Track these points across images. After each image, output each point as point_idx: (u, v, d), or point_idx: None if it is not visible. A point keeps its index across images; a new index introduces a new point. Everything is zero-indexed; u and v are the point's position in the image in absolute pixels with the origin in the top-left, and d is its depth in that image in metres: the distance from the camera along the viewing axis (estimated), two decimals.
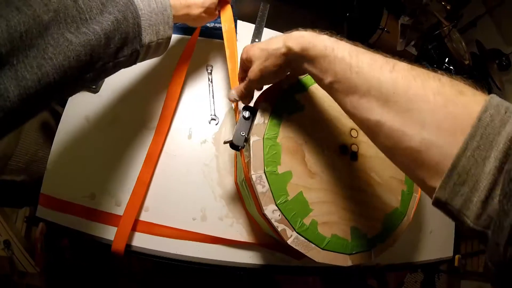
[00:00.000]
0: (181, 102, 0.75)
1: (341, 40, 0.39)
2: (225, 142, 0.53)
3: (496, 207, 0.26)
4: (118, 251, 0.61)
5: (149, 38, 0.47)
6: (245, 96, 0.52)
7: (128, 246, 0.63)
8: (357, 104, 0.36)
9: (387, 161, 0.58)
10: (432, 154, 0.30)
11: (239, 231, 0.66)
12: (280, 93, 0.54)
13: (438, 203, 0.31)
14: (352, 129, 0.58)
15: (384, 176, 0.59)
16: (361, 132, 0.58)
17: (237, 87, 0.53)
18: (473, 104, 0.28)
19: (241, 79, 0.55)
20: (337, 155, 0.55)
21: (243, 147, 0.52)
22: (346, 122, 0.58)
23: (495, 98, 0.28)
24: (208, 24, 0.81)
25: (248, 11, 0.89)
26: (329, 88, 0.40)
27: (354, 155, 0.57)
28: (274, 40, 0.44)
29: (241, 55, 0.51)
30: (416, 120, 0.31)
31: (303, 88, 0.57)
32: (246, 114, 0.52)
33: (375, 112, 0.34)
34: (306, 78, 0.57)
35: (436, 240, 0.88)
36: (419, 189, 0.62)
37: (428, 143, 0.30)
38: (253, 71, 0.47)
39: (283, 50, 0.42)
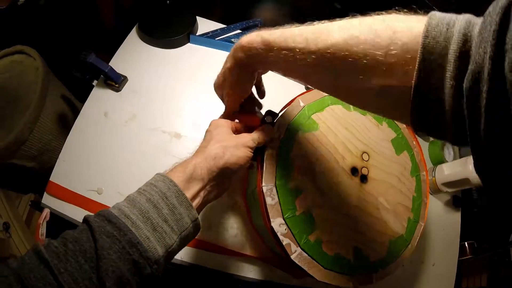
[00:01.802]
0: (199, 111, 0.77)
1: (280, 28, 0.39)
2: None
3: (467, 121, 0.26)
4: None
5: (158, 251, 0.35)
6: (232, 109, 0.52)
7: None
8: (314, 79, 0.40)
9: (396, 187, 0.59)
10: (393, 94, 0.32)
11: (242, 243, 0.67)
12: (297, 111, 0.56)
13: (417, 130, 0.32)
14: (364, 152, 0.59)
15: (392, 202, 0.59)
16: (372, 157, 0.59)
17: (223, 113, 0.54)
18: (411, 36, 0.29)
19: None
20: (347, 176, 0.56)
21: (259, 157, 0.52)
22: (358, 145, 0.59)
23: (434, 18, 0.28)
24: (233, 40, 0.84)
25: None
26: (288, 75, 0.42)
27: (364, 178, 0.57)
28: (225, 61, 0.47)
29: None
30: (368, 73, 0.32)
31: (320, 108, 0.58)
32: (269, 119, 0.53)
33: (331, 80, 0.37)
34: (323, 99, 0.59)
35: (438, 273, 0.87)
36: (425, 218, 0.62)
37: (387, 88, 0.32)
38: (218, 89, 0.51)
39: (232, 61, 0.44)
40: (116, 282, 0.31)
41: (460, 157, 0.96)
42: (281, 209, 0.49)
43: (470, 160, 0.81)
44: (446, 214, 0.93)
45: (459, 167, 0.83)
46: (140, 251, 0.32)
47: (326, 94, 0.60)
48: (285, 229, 0.49)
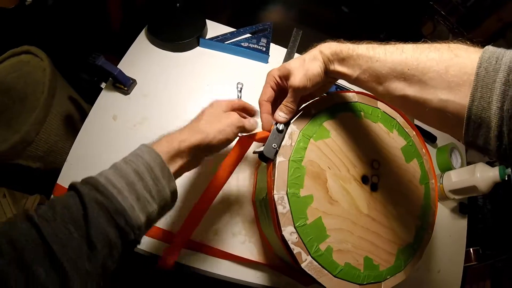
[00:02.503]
0: None
1: (361, 43, 0.47)
2: (254, 152, 0.54)
3: (507, 139, 0.33)
4: (167, 265, 0.61)
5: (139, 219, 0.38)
6: (292, 109, 0.54)
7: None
8: (384, 87, 0.44)
9: (406, 195, 0.59)
10: (450, 109, 0.37)
11: (250, 250, 0.66)
12: (309, 118, 0.56)
13: (468, 145, 0.38)
14: (374, 160, 0.58)
15: (401, 210, 0.59)
16: (383, 164, 0.59)
17: (280, 106, 0.54)
18: (468, 62, 0.35)
19: (273, 100, 0.56)
20: (358, 184, 0.56)
21: (272, 160, 0.52)
22: (369, 153, 0.58)
23: (487, 52, 0.35)
24: (242, 44, 0.84)
25: (284, 33, 0.92)
26: (359, 81, 0.48)
27: (374, 186, 0.57)
28: (308, 52, 0.51)
29: (272, 76, 0.54)
30: (431, 87, 0.38)
31: (332, 116, 0.58)
32: (280, 126, 0.53)
33: (399, 89, 0.42)
34: (336, 106, 0.59)
35: (444, 280, 0.87)
36: (433, 226, 0.62)
37: (445, 102, 0.37)
38: (297, 78, 0.50)
39: (318, 54, 0.50)
40: (105, 245, 0.33)
41: (467, 164, 0.96)
42: (292, 218, 0.49)
43: (478, 167, 0.81)
44: (452, 221, 0.93)
45: (467, 175, 0.83)
46: (125, 218, 0.35)
47: (338, 101, 0.59)
48: (296, 238, 0.48)
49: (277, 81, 0.54)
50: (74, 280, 0.31)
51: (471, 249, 0.99)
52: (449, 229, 0.91)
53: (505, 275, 1.12)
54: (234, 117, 0.50)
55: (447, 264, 0.88)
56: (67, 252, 0.31)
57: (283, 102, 0.53)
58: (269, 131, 0.54)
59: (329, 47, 0.49)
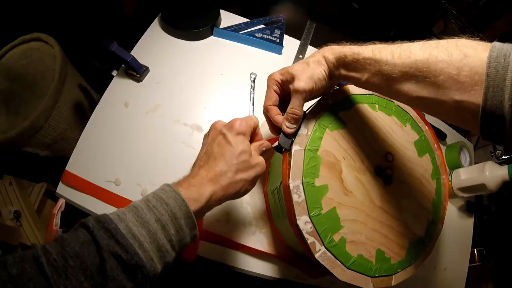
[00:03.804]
0: (221, 104, 0.77)
1: (363, 44, 0.47)
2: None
3: None
4: (189, 259, 0.61)
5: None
6: (299, 116, 0.51)
7: None
8: (396, 89, 0.44)
9: (418, 189, 0.59)
10: (465, 108, 0.37)
11: (260, 241, 0.66)
12: (325, 108, 0.55)
13: (484, 138, 0.39)
14: (388, 153, 0.58)
15: (413, 204, 0.59)
16: (396, 157, 0.58)
17: (286, 116, 0.51)
18: (478, 62, 0.36)
19: (275, 104, 0.54)
20: (372, 176, 0.56)
21: (287, 150, 0.52)
22: (383, 145, 0.58)
23: (494, 50, 0.35)
24: (256, 34, 0.84)
25: (294, 27, 0.92)
26: (368, 84, 0.47)
27: (388, 179, 0.57)
28: (311, 57, 0.50)
29: (274, 79, 0.52)
30: (444, 88, 0.38)
31: (347, 107, 0.58)
32: (285, 142, 0.52)
33: (412, 91, 0.42)
34: (351, 97, 0.58)
35: (449, 278, 0.86)
36: (443, 222, 0.62)
37: (459, 102, 0.37)
38: (303, 81, 0.48)
39: (322, 59, 0.49)
40: None
41: (476, 163, 0.96)
42: (307, 207, 0.48)
43: (487, 166, 0.81)
44: (459, 219, 0.92)
45: (476, 173, 0.82)
46: (143, 272, 0.33)
47: (353, 93, 0.59)
48: (311, 228, 0.48)
49: (279, 84, 0.52)
50: None
51: (475, 249, 0.99)
52: (456, 227, 0.91)
53: (508, 277, 1.12)
54: (261, 162, 0.48)
55: (453, 262, 0.88)
56: None
57: (288, 110, 0.51)
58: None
59: (332, 52, 0.48)
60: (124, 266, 0.32)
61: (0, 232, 1.11)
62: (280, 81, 0.51)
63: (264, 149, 0.50)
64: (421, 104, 0.43)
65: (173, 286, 0.70)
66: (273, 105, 0.53)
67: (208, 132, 0.48)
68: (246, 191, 0.47)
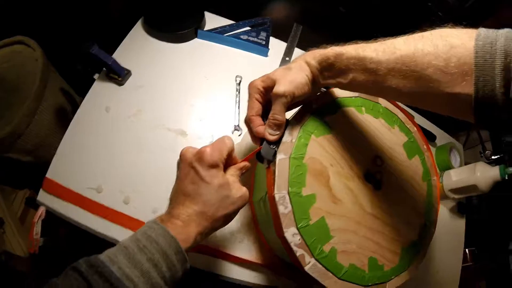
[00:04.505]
0: (206, 108, 0.75)
1: (344, 44, 0.46)
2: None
3: None
4: None
5: None
6: (281, 122, 0.49)
7: None
8: (383, 87, 0.43)
9: (409, 192, 0.58)
10: (457, 99, 0.37)
11: (248, 249, 0.64)
12: (310, 113, 0.54)
13: (480, 127, 0.39)
14: (377, 156, 0.57)
15: (405, 208, 0.57)
16: (385, 161, 0.57)
17: (268, 122, 0.49)
18: (465, 52, 0.35)
19: (256, 111, 0.51)
20: (361, 182, 0.54)
21: (270, 161, 0.50)
22: (372, 149, 0.57)
23: (480, 39, 0.35)
24: (242, 37, 0.82)
25: (281, 30, 0.91)
26: (354, 85, 0.46)
27: (378, 184, 0.56)
28: (292, 62, 0.49)
29: (255, 87, 0.49)
30: (434, 80, 0.38)
31: (333, 110, 0.56)
32: (266, 159, 0.50)
33: (401, 87, 0.41)
34: (337, 101, 0.57)
35: (442, 281, 0.86)
36: (436, 224, 0.61)
37: (450, 94, 0.37)
38: (282, 85, 0.46)
39: (304, 64, 0.48)
40: None
41: (466, 163, 0.95)
42: (295, 218, 0.47)
43: (478, 166, 0.80)
44: (451, 220, 0.92)
45: (467, 174, 0.82)
46: None
47: (339, 96, 0.57)
48: (299, 239, 0.46)
49: (262, 92, 0.49)
50: None
51: (467, 249, 0.98)
52: (448, 229, 0.90)
53: (499, 276, 1.12)
54: (243, 194, 0.46)
55: (446, 264, 0.87)
56: None
57: (270, 116, 0.48)
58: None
59: (314, 57, 0.47)
60: None
61: None
62: (262, 88, 0.49)
63: (244, 171, 0.48)
64: (412, 99, 0.43)
65: None
66: (256, 115, 0.50)
67: (179, 163, 0.46)
68: (232, 219, 0.46)
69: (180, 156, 0.45)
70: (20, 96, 0.97)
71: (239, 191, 0.45)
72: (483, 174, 0.78)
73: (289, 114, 0.52)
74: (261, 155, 0.49)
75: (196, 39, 0.84)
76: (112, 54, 0.73)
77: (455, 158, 0.95)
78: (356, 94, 0.59)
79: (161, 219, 0.41)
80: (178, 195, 0.43)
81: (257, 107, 0.50)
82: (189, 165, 0.43)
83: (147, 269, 0.35)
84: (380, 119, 0.60)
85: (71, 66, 1.07)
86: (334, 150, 0.53)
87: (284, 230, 0.46)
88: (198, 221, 0.41)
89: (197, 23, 0.82)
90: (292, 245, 0.46)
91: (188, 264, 0.40)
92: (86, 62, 0.92)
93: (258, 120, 0.50)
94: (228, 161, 0.47)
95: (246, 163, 0.48)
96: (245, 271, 0.64)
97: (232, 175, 0.46)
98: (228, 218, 0.44)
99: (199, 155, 0.43)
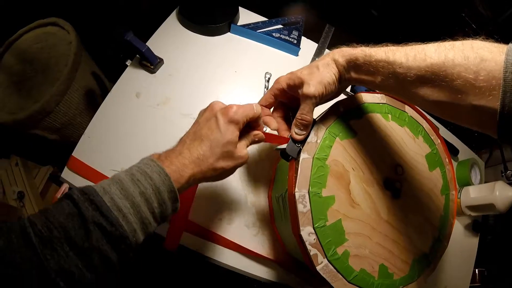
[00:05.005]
0: (234, 102, 0.75)
1: (374, 46, 0.46)
2: (277, 149, 0.52)
3: None
4: (171, 248, 0.61)
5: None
6: (308, 122, 0.50)
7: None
8: (411, 92, 0.43)
9: (426, 204, 0.58)
10: (482, 113, 0.37)
11: (262, 243, 0.65)
12: (336, 116, 0.54)
13: (502, 142, 0.39)
14: (398, 165, 0.57)
15: (420, 219, 0.57)
16: (406, 170, 0.57)
17: (295, 122, 0.50)
18: (495, 66, 0.35)
19: (280, 109, 0.54)
20: (381, 188, 0.54)
21: (294, 159, 0.51)
22: (394, 157, 0.57)
23: (511, 53, 0.35)
24: (274, 34, 0.83)
25: (311, 30, 0.91)
26: (380, 87, 0.46)
27: (397, 192, 0.56)
28: (319, 60, 0.49)
29: (279, 83, 0.50)
30: (462, 92, 0.38)
31: (359, 115, 0.56)
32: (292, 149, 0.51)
33: (428, 95, 0.41)
34: (364, 106, 0.57)
35: None
36: (449, 239, 0.60)
37: (476, 107, 0.37)
38: (312, 86, 0.47)
39: (331, 62, 0.48)
40: (104, 265, 0.33)
41: (486, 181, 0.94)
42: (312, 218, 0.47)
43: (498, 185, 0.79)
44: (464, 237, 0.91)
45: (486, 192, 0.81)
46: (127, 243, 0.34)
47: (366, 101, 0.58)
48: (314, 239, 0.47)
49: (283, 89, 0.51)
50: None
51: (476, 269, 0.97)
52: (460, 245, 0.89)
53: None
54: (244, 156, 0.47)
55: (454, 281, 0.86)
56: (63, 274, 0.30)
57: (297, 116, 0.49)
58: (276, 130, 0.54)
59: (343, 54, 0.47)
60: (108, 237, 0.33)
61: (1, 210, 1.12)
62: (285, 86, 0.50)
63: (256, 139, 0.49)
64: (437, 108, 0.42)
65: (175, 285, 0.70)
66: (266, 105, 0.54)
67: (205, 109, 0.47)
68: (224, 177, 0.47)
69: (209, 105, 0.47)
70: (50, 77, 1.00)
71: (243, 152, 0.46)
72: (502, 194, 0.77)
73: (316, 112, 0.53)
74: (286, 152, 0.50)
75: (228, 33, 0.85)
76: (145, 42, 0.74)
77: (476, 175, 0.93)
78: (383, 100, 0.60)
79: (158, 157, 0.42)
80: (189, 135, 0.45)
81: (270, 100, 0.53)
82: (213, 114, 0.45)
83: (138, 202, 0.36)
84: (405, 128, 0.60)
85: (103, 51, 1.10)
86: (357, 155, 0.54)
87: (301, 228, 0.46)
88: (197, 164, 0.42)
89: (231, 18, 0.83)
90: (307, 244, 0.46)
91: (178, 204, 0.41)
92: (119, 48, 0.94)
93: (266, 110, 0.53)
94: (251, 124, 0.48)
95: (260, 133, 0.49)
96: (257, 265, 0.65)
97: (244, 137, 0.48)
98: (222, 173, 0.45)
99: (226, 109, 0.45)
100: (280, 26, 0.88)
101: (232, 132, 0.44)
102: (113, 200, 0.34)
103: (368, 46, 0.46)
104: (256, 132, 0.49)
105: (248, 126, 0.48)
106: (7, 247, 0.29)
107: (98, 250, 0.32)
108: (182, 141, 0.45)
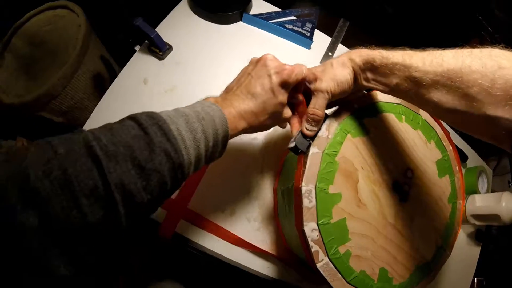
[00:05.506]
0: None
1: (392, 49, 0.45)
2: (289, 148, 0.50)
3: None
4: (166, 235, 0.61)
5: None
6: (320, 117, 0.49)
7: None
8: (425, 98, 0.42)
9: (433, 210, 0.57)
10: (498, 124, 0.36)
11: (263, 238, 0.64)
12: (349, 112, 0.53)
13: None
14: (408, 168, 0.56)
15: (426, 225, 0.56)
16: (416, 174, 0.56)
17: (306, 117, 0.49)
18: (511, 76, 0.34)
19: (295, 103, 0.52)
20: (389, 190, 0.53)
21: (303, 153, 0.49)
22: (405, 159, 0.56)
23: None
24: (286, 25, 0.81)
25: (324, 24, 0.89)
26: (395, 90, 0.45)
27: (405, 196, 0.54)
28: (335, 58, 0.49)
29: (293, 76, 0.48)
30: (477, 100, 0.36)
31: (373, 113, 0.55)
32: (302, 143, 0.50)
33: (443, 102, 0.40)
34: (378, 104, 0.56)
35: None
36: (452, 248, 0.59)
37: (492, 117, 0.36)
38: (325, 82, 0.47)
39: (347, 61, 0.47)
40: (159, 188, 0.34)
41: (492, 190, 0.92)
42: (317, 214, 0.46)
43: (504, 196, 0.77)
44: (466, 246, 0.89)
45: (492, 202, 0.79)
46: (183, 172, 0.37)
47: (380, 100, 0.56)
48: (317, 236, 0.46)
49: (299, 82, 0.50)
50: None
51: (475, 278, 0.95)
52: (461, 254, 0.87)
53: None
54: (287, 116, 0.50)
55: None
56: (122, 188, 0.30)
57: (309, 110, 0.49)
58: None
59: (360, 55, 0.46)
60: (170, 163, 0.34)
61: None
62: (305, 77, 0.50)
63: (301, 98, 0.51)
64: (450, 116, 0.42)
65: (179, 276, 0.69)
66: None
67: (258, 61, 0.48)
68: (265, 130, 0.50)
69: (262, 59, 0.47)
70: (59, 59, 0.99)
71: (288, 113, 0.50)
72: (508, 206, 0.76)
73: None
74: (296, 145, 0.49)
75: (240, 22, 0.84)
76: (155, 28, 0.73)
77: (483, 183, 0.92)
78: (398, 101, 0.58)
79: (218, 102, 0.44)
80: (242, 89, 0.46)
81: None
82: (267, 72, 0.46)
83: (199, 138, 0.38)
84: (418, 131, 0.59)
85: (113, 35, 1.09)
86: (368, 154, 0.52)
87: (304, 223, 0.45)
88: (247, 118, 0.45)
89: (243, 6, 0.82)
90: (309, 240, 0.45)
91: (225, 150, 0.44)
92: (128, 33, 0.93)
93: None
94: (297, 86, 0.49)
95: (302, 98, 0.51)
96: (257, 260, 0.64)
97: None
98: (265, 127, 0.49)
99: (281, 71, 0.46)
100: (294, 17, 0.86)
101: (283, 95, 0.47)
102: (179, 130, 0.36)
103: (385, 48, 0.46)
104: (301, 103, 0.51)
105: None
106: (67, 155, 0.29)
107: (159, 173, 0.33)
108: (232, 92, 0.47)
